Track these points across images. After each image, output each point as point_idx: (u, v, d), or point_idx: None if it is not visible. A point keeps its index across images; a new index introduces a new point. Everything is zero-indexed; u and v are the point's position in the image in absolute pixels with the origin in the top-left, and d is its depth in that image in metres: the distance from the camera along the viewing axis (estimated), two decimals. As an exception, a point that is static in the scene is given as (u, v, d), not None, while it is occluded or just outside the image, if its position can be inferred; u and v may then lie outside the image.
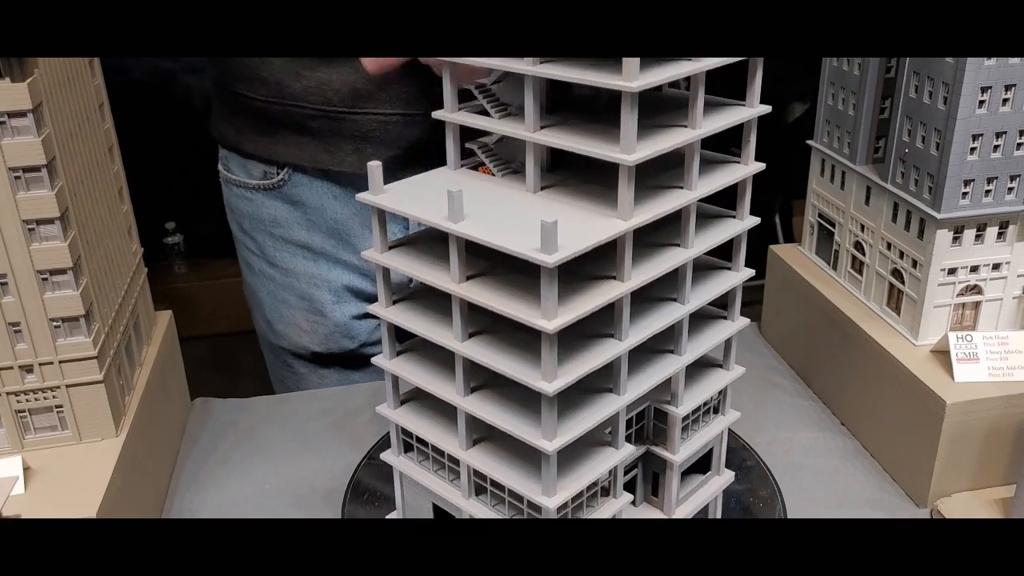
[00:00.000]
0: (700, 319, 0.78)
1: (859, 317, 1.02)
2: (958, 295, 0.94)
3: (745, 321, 0.80)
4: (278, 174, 1.16)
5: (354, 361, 1.27)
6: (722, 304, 0.79)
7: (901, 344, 0.97)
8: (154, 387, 0.98)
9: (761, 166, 0.74)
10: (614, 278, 0.65)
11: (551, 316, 0.59)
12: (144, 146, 1.80)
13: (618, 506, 0.71)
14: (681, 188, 0.68)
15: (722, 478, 0.85)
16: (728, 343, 0.80)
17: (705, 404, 0.79)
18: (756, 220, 0.76)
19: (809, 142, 1.12)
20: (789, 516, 0.88)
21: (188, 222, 2.88)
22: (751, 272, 0.79)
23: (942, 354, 0.94)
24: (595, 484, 0.69)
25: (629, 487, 0.78)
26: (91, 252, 0.85)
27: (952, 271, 0.93)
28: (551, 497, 0.64)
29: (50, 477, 0.82)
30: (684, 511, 0.81)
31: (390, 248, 0.70)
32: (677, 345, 0.73)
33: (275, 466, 1.03)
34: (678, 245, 0.70)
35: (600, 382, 0.68)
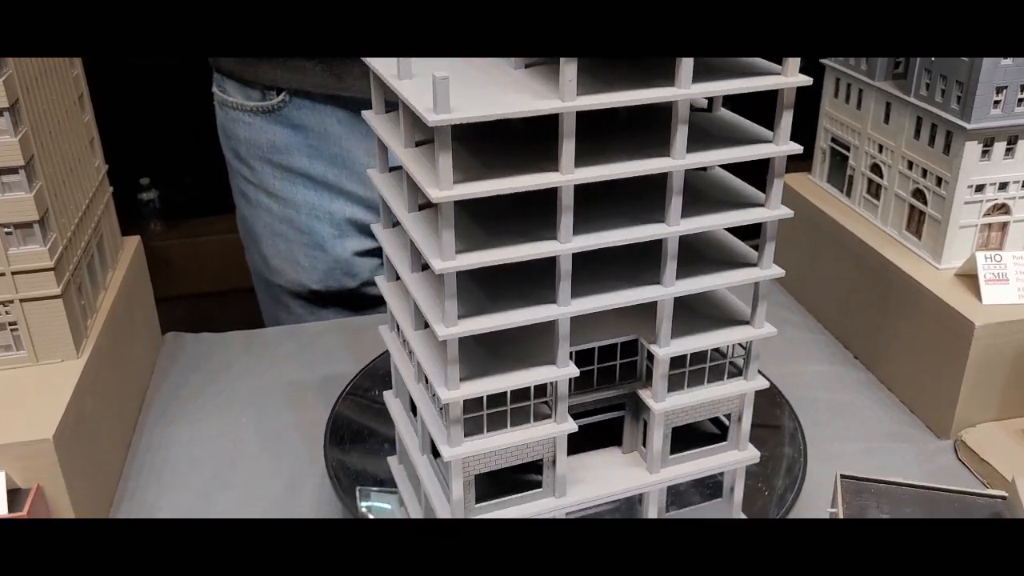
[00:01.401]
0: (718, 263, 0.67)
1: (876, 243, 0.96)
2: (984, 215, 0.88)
3: (777, 271, 0.66)
4: (277, 95, 1.08)
5: (354, 301, 1.19)
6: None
7: (923, 268, 0.91)
8: (120, 312, 0.91)
9: (807, 80, 0.60)
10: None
11: (444, 185, 0.52)
12: (118, 99, 1.72)
13: (557, 431, 0.63)
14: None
15: (743, 454, 0.72)
16: (756, 295, 0.67)
17: (721, 356, 0.69)
18: (798, 148, 0.62)
19: (823, 60, 1.05)
20: (809, 450, 0.82)
21: (164, 182, 2.79)
22: (787, 212, 0.65)
23: (967, 278, 0.88)
24: (526, 400, 0.62)
25: (616, 430, 0.72)
26: (46, 155, 0.77)
27: (979, 188, 0.87)
28: (450, 390, 0.58)
29: (3, 398, 0.74)
30: (675, 472, 0.70)
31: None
32: (662, 274, 0.63)
33: (251, 401, 0.96)
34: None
35: (552, 297, 0.60)
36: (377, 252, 1.16)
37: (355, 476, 0.80)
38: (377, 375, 0.91)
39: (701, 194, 0.65)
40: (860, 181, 1.02)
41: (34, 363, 0.78)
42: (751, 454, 0.73)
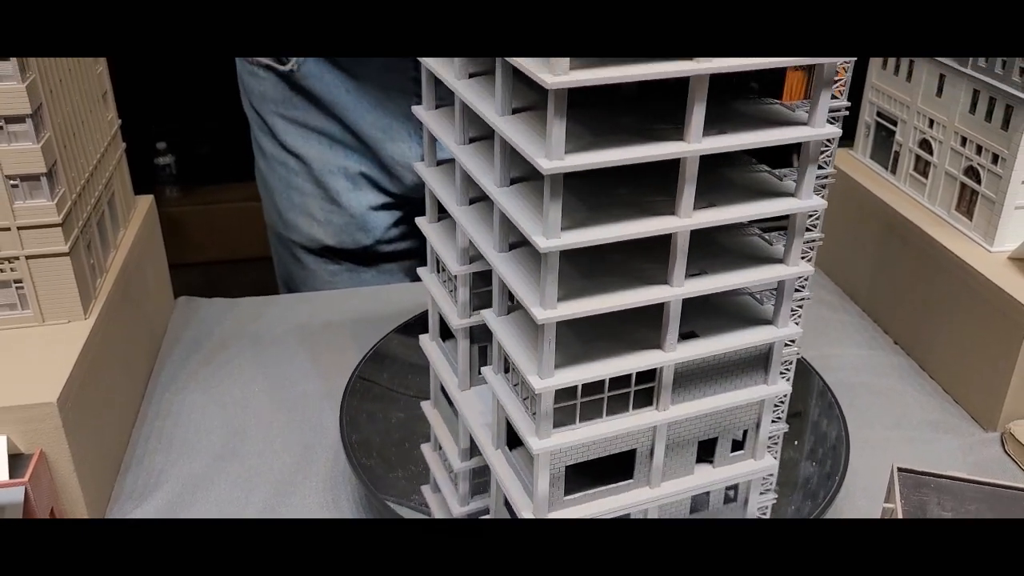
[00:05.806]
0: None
1: (923, 223, 0.91)
2: (1042, 195, 0.84)
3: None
4: (288, 62, 1.07)
5: (367, 258, 1.17)
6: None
7: (973, 251, 0.86)
8: (131, 273, 0.87)
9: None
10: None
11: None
12: (136, 61, 1.68)
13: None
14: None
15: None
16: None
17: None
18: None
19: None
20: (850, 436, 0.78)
21: (181, 147, 2.76)
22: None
23: (1021, 262, 0.83)
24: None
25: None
26: (55, 105, 0.73)
27: (1039, 167, 0.82)
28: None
29: (6, 359, 0.71)
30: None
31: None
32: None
33: (264, 368, 0.93)
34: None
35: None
36: (390, 206, 1.16)
37: (370, 448, 0.76)
38: (392, 349, 0.87)
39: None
40: (907, 158, 0.97)
41: (40, 323, 0.75)
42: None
